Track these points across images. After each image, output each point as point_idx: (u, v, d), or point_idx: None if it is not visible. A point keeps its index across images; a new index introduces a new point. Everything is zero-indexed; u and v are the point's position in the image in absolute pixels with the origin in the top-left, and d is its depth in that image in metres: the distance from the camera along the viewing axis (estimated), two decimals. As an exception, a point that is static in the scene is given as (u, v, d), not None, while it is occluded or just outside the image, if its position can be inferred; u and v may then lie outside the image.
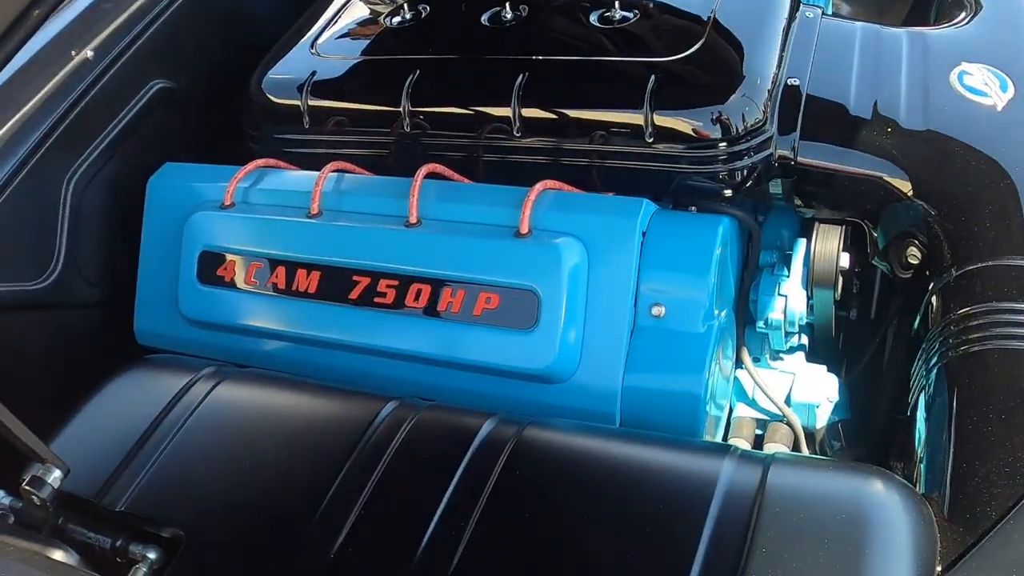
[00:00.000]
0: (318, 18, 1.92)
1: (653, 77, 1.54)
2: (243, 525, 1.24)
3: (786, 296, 1.61)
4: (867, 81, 1.59)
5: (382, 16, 1.86)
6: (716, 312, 1.47)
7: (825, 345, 1.74)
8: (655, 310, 1.44)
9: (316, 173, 1.63)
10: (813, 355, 1.76)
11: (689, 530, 1.11)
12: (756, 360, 1.69)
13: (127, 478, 1.31)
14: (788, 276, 1.61)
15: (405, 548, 1.15)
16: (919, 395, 1.35)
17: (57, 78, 1.66)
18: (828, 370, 1.69)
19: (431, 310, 1.48)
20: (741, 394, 1.68)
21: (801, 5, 1.72)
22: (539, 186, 1.50)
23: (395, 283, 1.51)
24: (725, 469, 1.18)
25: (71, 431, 1.40)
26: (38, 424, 1.25)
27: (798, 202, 1.62)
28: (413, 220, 1.53)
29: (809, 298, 1.62)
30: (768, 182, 1.58)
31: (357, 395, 1.41)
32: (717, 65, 1.59)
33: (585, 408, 1.44)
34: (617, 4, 1.70)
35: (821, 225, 1.60)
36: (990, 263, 1.37)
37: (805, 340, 1.74)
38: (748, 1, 1.69)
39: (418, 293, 1.50)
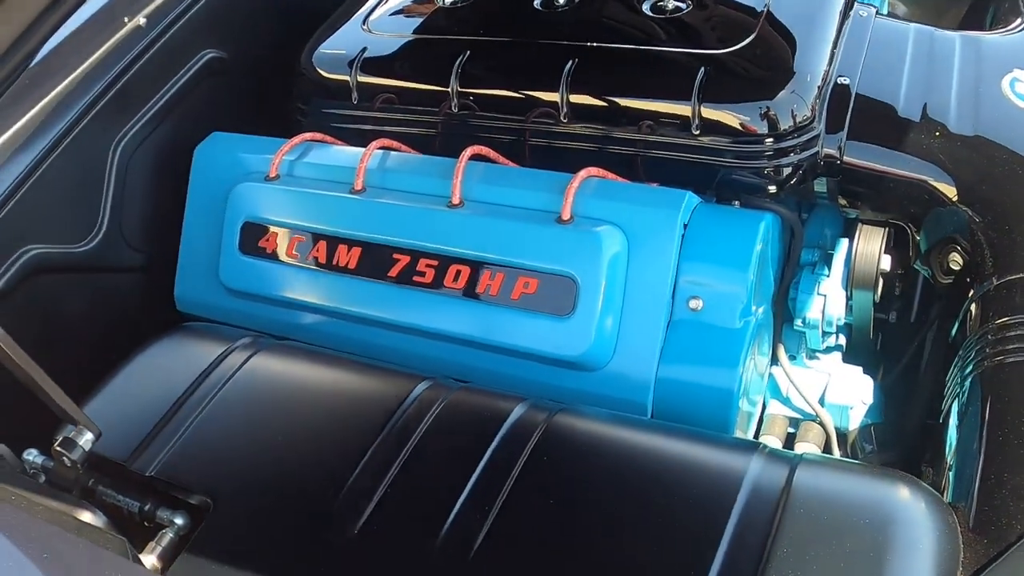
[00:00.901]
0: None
1: (703, 69, 1.54)
2: (271, 496, 1.26)
3: (825, 296, 1.60)
4: (918, 83, 1.57)
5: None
6: (754, 308, 1.46)
7: (863, 347, 1.73)
8: (693, 303, 1.44)
9: (362, 149, 1.64)
10: (850, 356, 1.75)
11: (712, 525, 1.11)
12: (792, 358, 1.68)
13: (158, 444, 1.33)
14: (828, 275, 1.60)
15: (429, 527, 1.16)
16: (952, 403, 1.35)
17: (108, 44, 1.68)
18: (864, 372, 1.68)
19: (469, 292, 1.49)
20: (776, 391, 1.68)
21: (856, 3, 1.71)
22: (583, 173, 1.50)
23: (435, 263, 1.52)
24: (752, 467, 1.18)
25: (106, 395, 1.42)
26: (76, 386, 1.29)
27: (842, 202, 1.60)
28: (456, 201, 1.53)
29: (848, 299, 1.61)
30: (813, 180, 1.57)
31: (391, 372, 1.43)
32: (768, 60, 1.58)
33: (618, 397, 1.44)
34: (669, -4, 1.69)
35: (864, 226, 1.59)
36: None
37: (843, 341, 1.73)
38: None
39: (457, 274, 1.50)
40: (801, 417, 1.66)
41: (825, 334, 1.64)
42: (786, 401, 1.66)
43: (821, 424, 1.62)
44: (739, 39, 1.59)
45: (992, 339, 1.31)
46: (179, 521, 1.28)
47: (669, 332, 1.45)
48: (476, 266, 1.49)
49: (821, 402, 1.64)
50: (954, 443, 1.30)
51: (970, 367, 1.33)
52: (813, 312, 1.60)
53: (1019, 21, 1.76)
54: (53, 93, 1.63)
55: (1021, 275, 1.36)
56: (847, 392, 1.63)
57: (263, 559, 1.19)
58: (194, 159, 1.76)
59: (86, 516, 1.17)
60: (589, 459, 1.24)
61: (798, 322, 1.63)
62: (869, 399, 1.64)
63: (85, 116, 1.63)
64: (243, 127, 1.83)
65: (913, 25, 1.70)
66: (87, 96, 1.64)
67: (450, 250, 1.51)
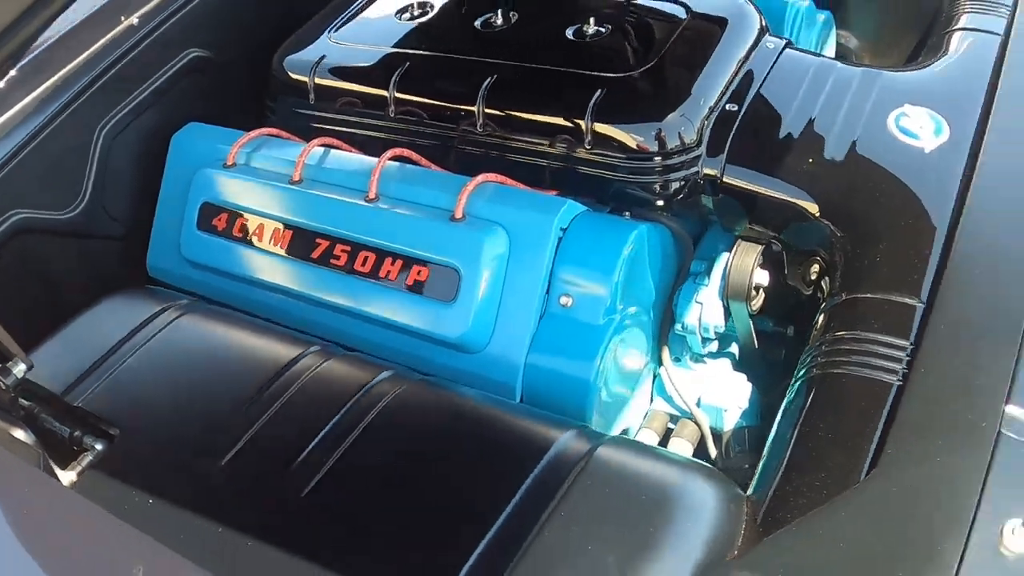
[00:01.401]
0: (346, 7, 2.14)
1: (600, 90, 1.70)
2: (169, 431, 1.48)
3: (702, 304, 1.73)
4: (804, 113, 1.70)
5: (396, 12, 2.07)
6: (620, 308, 1.61)
7: (752, 356, 1.86)
8: (563, 300, 1.61)
9: (318, 142, 1.85)
10: (746, 365, 1.87)
11: (509, 485, 1.27)
12: (677, 360, 1.82)
13: (88, 383, 1.56)
14: (707, 285, 1.74)
15: (281, 464, 1.36)
16: (782, 405, 1.47)
17: (104, 39, 1.94)
18: (750, 379, 1.81)
19: (373, 275, 1.69)
20: (661, 390, 1.82)
21: (766, 36, 1.83)
22: (480, 178, 1.68)
23: (348, 248, 1.72)
24: (562, 440, 1.34)
25: (56, 340, 1.67)
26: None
27: (724, 219, 1.74)
28: (372, 196, 1.73)
29: (726, 309, 1.74)
30: (700, 197, 1.72)
31: (291, 339, 1.63)
32: (664, 85, 1.73)
33: (492, 378, 1.62)
34: (592, 21, 1.85)
35: (742, 242, 1.72)
36: (873, 295, 1.46)
37: (735, 349, 1.86)
38: (712, 27, 1.82)
39: (365, 259, 1.70)
40: (680, 415, 1.80)
41: (705, 340, 1.77)
42: (668, 399, 1.81)
43: (697, 423, 1.76)
44: (641, 64, 1.75)
45: (825, 350, 1.43)
46: (99, 447, 1.51)
47: (541, 324, 1.61)
48: (381, 253, 1.69)
49: (700, 403, 1.78)
50: (769, 442, 1.43)
51: (802, 373, 1.45)
52: (691, 318, 1.74)
53: (934, 58, 1.86)
54: (52, 80, 1.90)
55: (865, 294, 1.47)
56: (723, 395, 1.76)
57: (154, 481, 1.40)
58: (171, 145, 2.00)
59: (18, 433, 1.41)
60: (426, 420, 1.43)
61: (678, 327, 1.77)
62: (744, 403, 1.76)
63: (76, 100, 1.88)
64: (222, 120, 2.06)
65: (818, 59, 1.82)
66: (79, 83, 1.90)
67: (361, 238, 1.71)
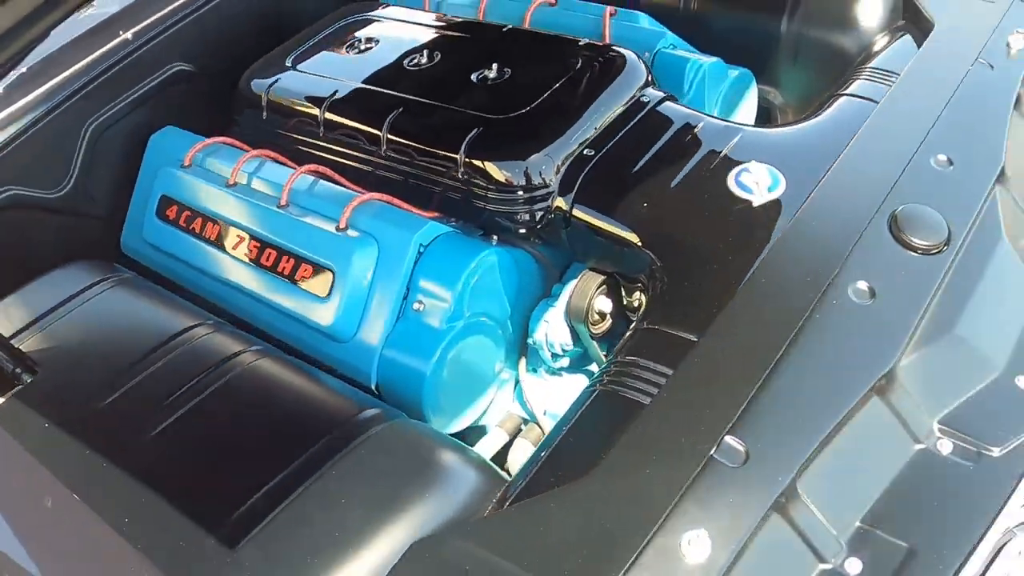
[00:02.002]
0: (309, 38, 2.46)
1: (478, 128, 1.96)
2: (76, 374, 1.81)
3: (548, 323, 1.97)
4: (655, 161, 1.91)
5: (346, 47, 2.38)
6: (465, 316, 1.87)
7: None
8: (416, 305, 1.88)
9: (254, 153, 2.18)
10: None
11: (303, 444, 1.54)
12: (534, 371, 2.07)
13: (26, 332, 1.92)
14: (555, 307, 1.97)
15: (146, 414, 1.67)
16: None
17: (101, 50, 2.31)
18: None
19: (272, 269, 2.00)
20: (519, 396, 2.07)
21: (648, 88, 2.06)
22: (366, 196, 1.97)
23: (257, 245, 2.03)
24: (361, 416, 1.61)
25: (13, 297, 2.03)
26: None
27: (576, 250, 1.98)
28: (283, 203, 2.04)
29: (572, 330, 1.97)
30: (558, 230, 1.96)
31: (191, 313, 1.94)
32: (535, 127, 1.98)
33: (354, 366, 1.90)
34: (495, 66, 2.11)
35: (588, 271, 1.95)
36: (662, 328, 1.66)
37: (595, 367, 2.09)
38: (596, 77, 2.05)
39: (268, 255, 2.01)
40: (530, 420, 2.04)
41: (554, 355, 2.01)
42: (523, 405, 2.05)
43: (541, 429, 2.00)
44: (522, 107, 2.00)
45: (612, 370, 1.65)
46: (27, 379, 1.85)
47: (397, 324, 1.89)
48: (280, 251, 2.00)
49: (547, 411, 2.02)
50: (542, 442, 1.65)
51: (587, 387, 1.67)
52: (539, 335, 1.98)
53: (809, 119, 2.04)
54: (53, 81, 2.28)
55: (657, 326, 1.66)
56: (566, 405, 1.99)
57: (56, 410, 1.71)
58: (148, 144, 2.36)
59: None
60: (261, 387, 1.72)
61: (530, 341, 2.01)
62: (586, 414, 1.99)
63: (69, 99, 2.26)
64: (200, 126, 2.41)
65: (688, 114, 2.02)
66: (74, 85, 2.27)
67: (268, 237, 2.02)
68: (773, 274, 1.67)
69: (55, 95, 2.26)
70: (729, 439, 1.38)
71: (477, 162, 1.95)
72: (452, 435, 1.82)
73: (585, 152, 1.93)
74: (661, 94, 2.07)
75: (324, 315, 1.91)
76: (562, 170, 1.92)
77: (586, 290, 1.92)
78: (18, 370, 1.80)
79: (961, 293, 1.65)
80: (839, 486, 1.43)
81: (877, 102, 2.00)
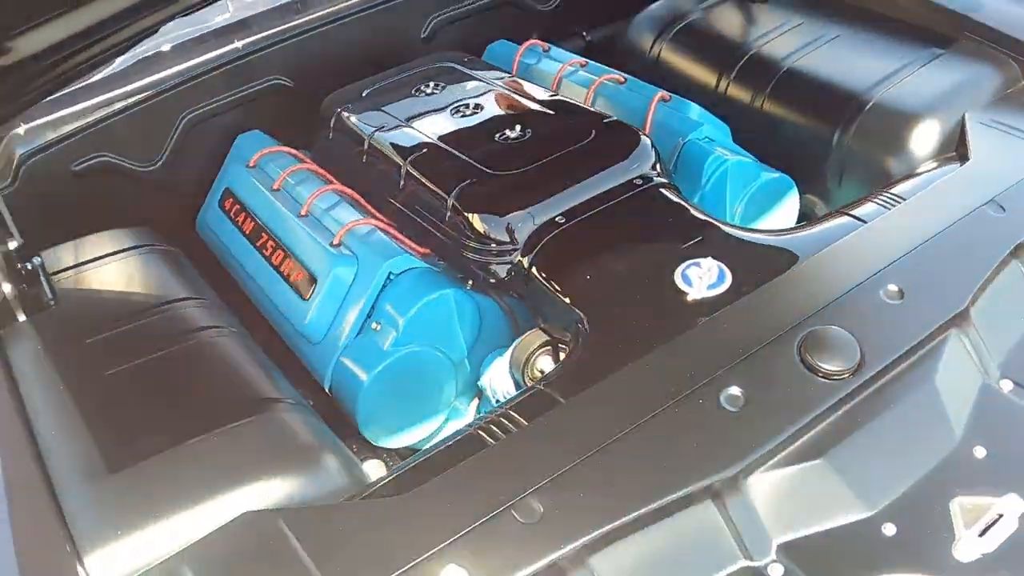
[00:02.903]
0: (394, 76, 2.71)
1: (473, 179, 2.13)
2: (70, 316, 2.11)
3: (494, 370, 2.10)
4: (617, 240, 2.01)
5: (412, 88, 2.61)
6: (412, 343, 2.04)
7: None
8: (375, 324, 2.07)
9: (302, 165, 2.46)
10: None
11: (210, 410, 1.75)
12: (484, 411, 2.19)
13: (63, 275, 2.26)
14: (502, 356, 2.10)
15: (104, 361, 1.93)
16: None
17: (212, 53, 2.67)
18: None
19: (278, 267, 2.26)
20: (470, 427, 2.20)
21: (651, 171, 2.15)
22: (365, 221, 2.19)
23: (274, 244, 2.31)
24: (265, 398, 1.82)
25: (64, 245, 2.34)
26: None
27: (533, 307, 2.10)
28: (303, 212, 2.31)
29: (516, 380, 2.09)
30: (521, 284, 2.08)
31: (196, 289, 2.21)
32: (519, 189, 2.12)
33: (317, 366, 2.13)
34: (518, 128, 2.28)
35: (537, 328, 2.06)
36: (544, 387, 1.72)
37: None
38: (602, 153, 2.18)
39: (279, 255, 2.28)
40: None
41: (498, 401, 2.13)
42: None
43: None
44: (523, 167, 2.15)
45: (491, 415, 1.71)
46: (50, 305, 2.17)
47: (357, 338, 2.09)
48: (286, 253, 2.26)
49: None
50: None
51: (469, 424, 1.76)
52: (485, 380, 2.12)
53: (799, 230, 2.07)
54: (165, 72, 2.66)
55: (542, 384, 1.74)
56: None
57: (52, 336, 2.01)
58: (234, 142, 2.70)
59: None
60: (212, 359, 1.94)
61: (479, 383, 2.14)
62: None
63: (172, 89, 2.62)
64: (286, 136, 2.72)
65: (676, 202, 2.10)
66: (181, 77, 2.64)
67: (281, 240, 2.29)
68: (661, 363, 1.72)
69: (162, 83, 2.63)
70: (532, 499, 1.47)
71: (464, 209, 2.12)
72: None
73: (557, 219, 2.05)
74: (660, 179, 2.15)
75: (301, 315, 2.14)
76: (532, 232, 2.05)
77: (528, 345, 2.04)
78: (45, 299, 2.13)
79: (856, 425, 1.64)
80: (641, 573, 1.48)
81: (865, 222, 1.99)
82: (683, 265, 1.92)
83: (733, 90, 2.70)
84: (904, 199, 2.09)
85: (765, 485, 1.56)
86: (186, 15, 1.97)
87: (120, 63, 2.56)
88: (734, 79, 2.70)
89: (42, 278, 2.10)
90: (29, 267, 2.10)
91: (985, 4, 2.60)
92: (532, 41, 2.90)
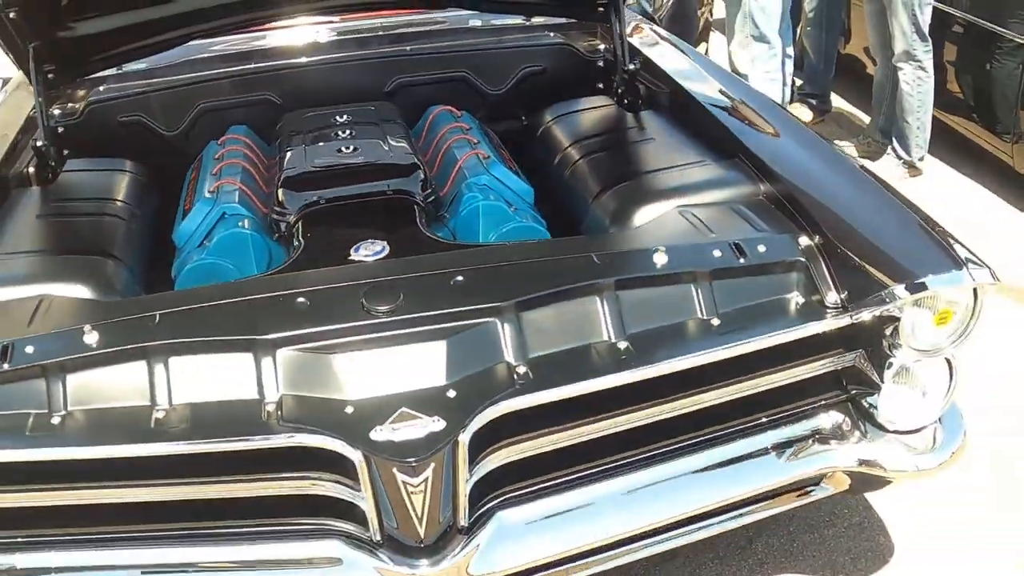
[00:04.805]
0: (330, 108, 3.92)
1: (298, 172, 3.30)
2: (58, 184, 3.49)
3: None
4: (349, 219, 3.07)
5: (332, 119, 3.81)
6: (213, 257, 3.21)
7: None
8: (204, 242, 3.26)
9: (241, 147, 3.73)
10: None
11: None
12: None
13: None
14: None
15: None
16: None
17: (228, 68, 4.00)
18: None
19: (187, 199, 3.53)
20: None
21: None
22: (230, 181, 3.40)
23: (193, 185, 3.57)
24: None
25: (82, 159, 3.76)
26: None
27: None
28: (214, 172, 3.56)
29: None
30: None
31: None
32: (315, 180, 3.25)
33: (175, 259, 3.35)
34: (359, 154, 3.41)
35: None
36: None
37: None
38: (377, 171, 3.28)
39: (191, 193, 3.54)
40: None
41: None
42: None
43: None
44: (325, 169, 3.29)
45: None
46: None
47: (196, 248, 3.29)
48: (193, 192, 3.52)
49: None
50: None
51: None
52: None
53: None
54: (201, 73, 4.04)
55: None
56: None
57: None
58: (226, 131, 4.01)
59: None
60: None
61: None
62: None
63: (195, 83, 4.01)
64: (267, 132, 3.99)
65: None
66: (201, 78, 4.00)
67: (196, 186, 3.56)
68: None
69: (189, 80, 3.98)
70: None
71: (280, 185, 3.29)
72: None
73: (320, 201, 3.17)
74: (412, 198, 3.20)
75: (178, 227, 3.38)
76: (301, 205, 3.19)
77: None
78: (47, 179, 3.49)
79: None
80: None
81: None
82: (366, 241, 2.94)
83: (558, 165, 3.64)
84: None
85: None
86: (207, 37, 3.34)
87: (161, 58, 3.94)
88: (558, 159, 3.64)
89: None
90: (52, 164, 3.50)
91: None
92: (447, 107, 4.00)
